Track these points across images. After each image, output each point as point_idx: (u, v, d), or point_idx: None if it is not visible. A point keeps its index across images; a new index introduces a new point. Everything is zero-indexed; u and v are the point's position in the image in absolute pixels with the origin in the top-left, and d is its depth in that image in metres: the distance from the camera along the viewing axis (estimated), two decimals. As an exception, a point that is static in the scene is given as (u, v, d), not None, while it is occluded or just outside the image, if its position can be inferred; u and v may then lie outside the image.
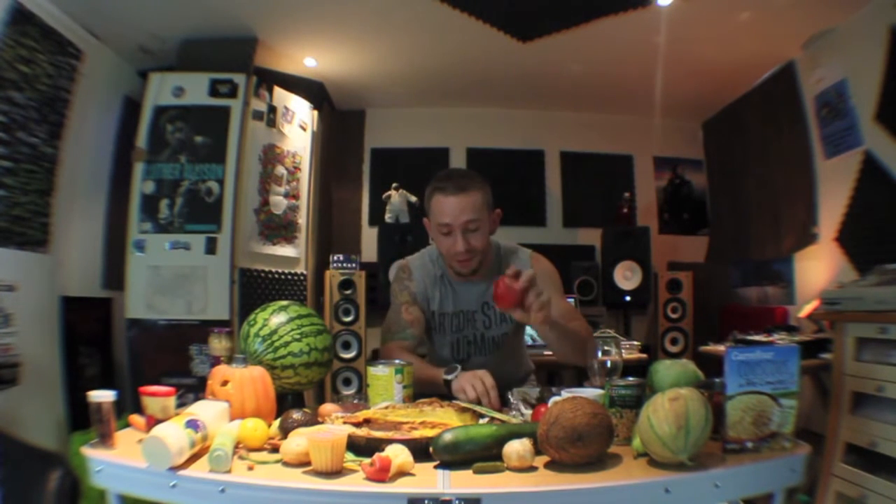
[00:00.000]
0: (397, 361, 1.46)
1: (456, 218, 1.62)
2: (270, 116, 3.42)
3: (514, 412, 1.38)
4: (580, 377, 2.67)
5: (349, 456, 1.06)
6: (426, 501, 0.92)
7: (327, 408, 1.36)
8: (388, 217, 3.85)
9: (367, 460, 1.00)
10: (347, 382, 3.42)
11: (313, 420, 1.19)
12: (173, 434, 1.00)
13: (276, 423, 1.22)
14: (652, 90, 3.92)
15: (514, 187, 4.54)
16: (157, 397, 1.22)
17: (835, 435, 2.18)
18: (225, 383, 1.26)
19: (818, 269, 3.30)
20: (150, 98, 3.12)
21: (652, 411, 1.04)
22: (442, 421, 1.19)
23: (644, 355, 3.47)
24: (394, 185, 3.83)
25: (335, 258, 3.56)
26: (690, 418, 1.00)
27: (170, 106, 3.13)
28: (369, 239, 4.32)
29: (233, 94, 3.18)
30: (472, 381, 1.48)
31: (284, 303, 1.54)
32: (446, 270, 1.79)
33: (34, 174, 2.69)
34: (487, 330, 1.80)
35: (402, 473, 1.00)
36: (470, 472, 1.02)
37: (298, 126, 3.68)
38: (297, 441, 1.05)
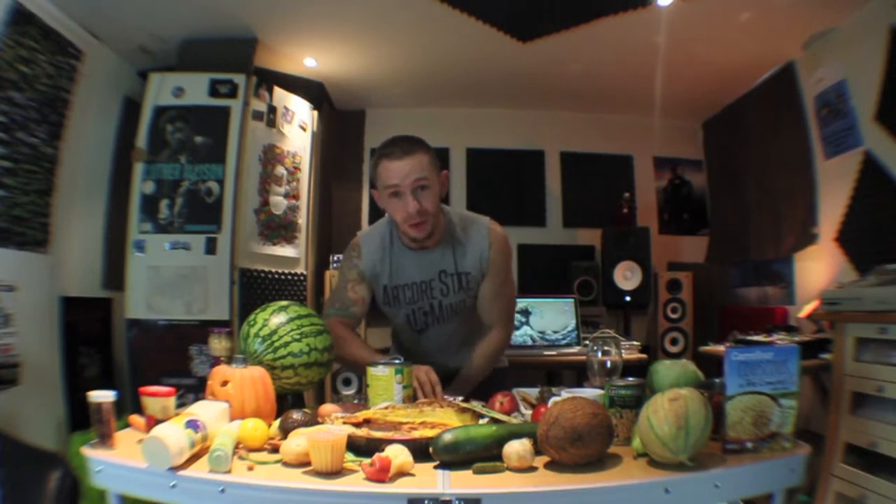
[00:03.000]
0: (397, 362, 1.46)
1: (404, 178, 1.59)
2: (270, 116, 3.42)
3: (513, 412, 1.38)
4: (580, 377, 2.67)
5: (349, 456, 1.06)
6: (426, 501, 0.92)
7: (327, 408, 1.35)
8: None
9: (367, 460, 1.00)
10: (347, 383, 3.43)
11: (313, 420, 1.19)
12: (173, 434, 1.00)
13: (276, 423, 1.21)
14: (652, 90, 3.92)
15: (514, 187, 4.54)
16: (157, 397, 1.22)
17: (835, 435, 2.18)
18: (225, 383, 1.26)
19: (818, 269, 3.30)
20: (150, 98, 3.12)
21: (652, 411, 1.04)
22: (442, 421, 1.19)
23: (644, 355, 3.46)
24: (394, 185, 3.83)
25: (335, 258, 3.56)
26: (690, 418, 1.00)
27: (170, 106, 3.13)
28: (369, 239, 4.31)
29: (233, 94, 3.18)
30: (417, 374, 1.51)
31: (284, 303, 1.54)
32: (399, 241, 1.75)
33: (34, 174, 2.69)
34: (445, 297, 1.75)
35: (402, 473, 1.00)
36: (470, 472, 1.02)
37: (298, 126, 3.68)
38: (297, 441, 1.05)
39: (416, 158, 1.60)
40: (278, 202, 3.50)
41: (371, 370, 1.46)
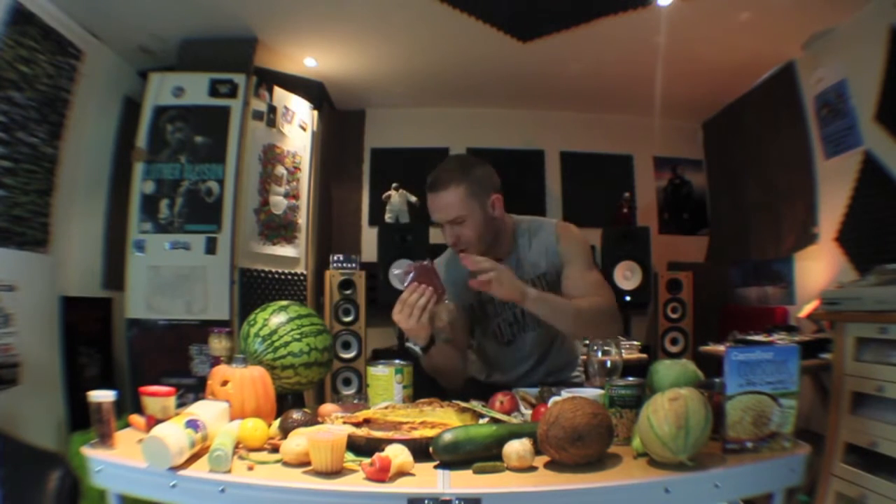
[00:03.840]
0: (397, 361, 1.46)
1: (439, 216, 1.65)
2: (270, 116, 3.42)
3: (513, 412, 1.38)
4: (580, 377, 2.67)
5: (349, 456, 1.06)
6: (426, 501, 0.92)
7: (327, 408, 1.35)
8: (388, 217, 3.84)
9: (367, 460, 1.00)
10: (347, 382, 3.43)
11: (313, 420, 1.19)
12: (173, 434, 1.00)
13: (276, 423, 1.22)
14: (652, 90, 3.92)
15: (514, 187, 4.52)
16: (157, 397, 1.22)
17: (835, 435, 2.18)
18: (225, 383, 1.26)
19: (818, 269, 3.30)
20: (150, 98, 3.12)
21: (652, 411, 1.04)
22: (442, 421, 1.19)
23: (644, 355, 3.47)
24: (394, 185, 3.83)
25: (335, 258, 3.56)
26: (690, 418, 1.00)
27: (170, 106, 3.13)
28: (369, 239, 4.32)
29: (233, 94, 3.18)
30: (406, 298, 1.50)
31: (284, 303, 1.54)
32: None
33: (34, 174, 2.69)
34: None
35: (402, 473, 1.00)
36: (470, 472, 1.02)
37: (298, 126, 3.68)
38: (297, 441, 1.05)
39: (449, 194, 1.62)
40: (278, 202, 3.50)
41: (371, 370, 1.46)
